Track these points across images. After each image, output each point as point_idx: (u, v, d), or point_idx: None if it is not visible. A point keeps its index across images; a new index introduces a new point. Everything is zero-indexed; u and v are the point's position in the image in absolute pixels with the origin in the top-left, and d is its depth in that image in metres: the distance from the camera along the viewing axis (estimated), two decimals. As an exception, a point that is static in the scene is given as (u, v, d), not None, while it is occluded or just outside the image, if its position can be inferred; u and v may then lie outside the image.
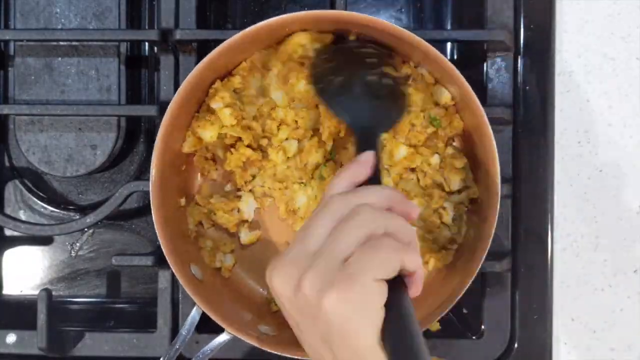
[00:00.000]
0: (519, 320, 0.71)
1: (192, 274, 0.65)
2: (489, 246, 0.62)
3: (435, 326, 0.65)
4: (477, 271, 0.62)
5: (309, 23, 0.63)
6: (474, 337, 0.71)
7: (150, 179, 0.63)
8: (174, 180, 0.68)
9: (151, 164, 0.63)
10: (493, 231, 0.62)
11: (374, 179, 0.55)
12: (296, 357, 0.62)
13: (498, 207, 0.62)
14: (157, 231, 0.63)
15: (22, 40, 0.73)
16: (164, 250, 0.63)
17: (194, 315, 0.65)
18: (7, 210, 0.78)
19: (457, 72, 0.61)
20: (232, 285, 0.71)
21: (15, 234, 0.77)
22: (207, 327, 0.67)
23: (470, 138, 0.66)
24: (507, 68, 0.71)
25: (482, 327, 0.70)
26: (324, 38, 0.65)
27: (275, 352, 0.63)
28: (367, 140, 0.58)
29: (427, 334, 0.64)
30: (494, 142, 0.62)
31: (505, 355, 0.71)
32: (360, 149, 0.57)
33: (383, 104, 0.62)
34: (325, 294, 0.46)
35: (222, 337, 0.64)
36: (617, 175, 0.73)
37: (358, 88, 0.62)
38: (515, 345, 0.71)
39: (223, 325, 0.63)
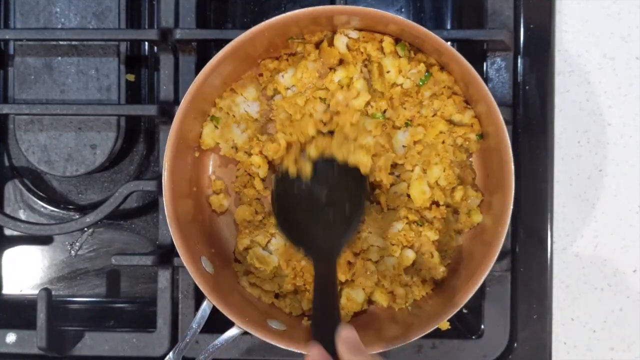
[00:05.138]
0: (519, 320, 0.71)
1: (202, 267, 0.65)
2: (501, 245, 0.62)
3: (445, 325, 0.65)
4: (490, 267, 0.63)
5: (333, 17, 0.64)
6: (474, 337, 0.71)
7: (163, 169, 0.63)
8: (185, 170, 0.68)
9: (165, 152, 0.63)
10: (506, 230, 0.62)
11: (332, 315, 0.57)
12: (305, 353, 0.62)
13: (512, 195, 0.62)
14: (169, 223, 0.63)
15: (21, 40, 0.73)
16: (175, 242, 0.63)
17: (205, 308, 0.64)
18: (7, 210, 0.78)
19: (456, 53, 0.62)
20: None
21: (15, 233, 0.77)
22: (207, 327, 0.67)
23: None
24: (507, 68, 0.71)
25: (482, 327, 0.70)
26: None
27: (285, 347, 0.62)
28: (324, 266, 0.61)
29: (431, 333, 0.63)
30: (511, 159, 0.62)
31: (505, 355, 0.71)
32: (317, 273, 0.61)
33: (338, 231, 0.64)
34: None
35: (232, 331, 0.64)
36: (617, 175, 0.73)
37: (313, 222, 0.65)
38: (515, 345, 0.71)
39: (233, 319, 0.63)
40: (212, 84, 0.65)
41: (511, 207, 0.61)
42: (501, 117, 0.61)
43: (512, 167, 0.61)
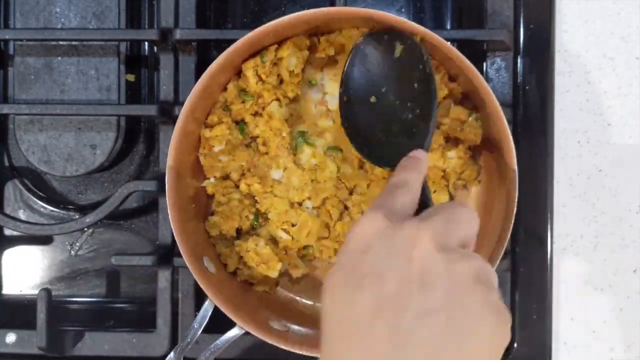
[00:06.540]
0: (519, 320, 0.71)
1: (204, 266, 0.65)
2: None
3: None
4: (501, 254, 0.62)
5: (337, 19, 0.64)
6: (473, 337, 0.71)
7: (167, 165, 0.63)
8: (188, 169, 0.68)
9: (169, 150, 0.63)
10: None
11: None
12: (306, 354, 0.62)
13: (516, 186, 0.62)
14: (171, 224, 0.63)
15: (21, 40, 0.73)
16: (178, 242, 0.63)
17: (207, 308, 0.64)
18: (7, 210, 0.78)
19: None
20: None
21: (15, 233, 0.77)
22: (208, 327, 0.67)
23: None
24: (507, 68, 0.71)
25: (482, 327, 0.70)
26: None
27: (286, 349, 0.62)
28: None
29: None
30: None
31: (505, 355, 0.70)
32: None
33: (404, 139, 0.60)
34: (464, 263, 0.41)
35: (233, 332, 0.64)
36: (617, 175, 0.73)
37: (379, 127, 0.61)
38: (515, 345, 0.71)
39: (235, 319, 0.63)
40: (216, 82, 0.65)
41: (514, 212, 0.61)
42: (507, 125, 0.61)
43: (516, 171, 0.61)
